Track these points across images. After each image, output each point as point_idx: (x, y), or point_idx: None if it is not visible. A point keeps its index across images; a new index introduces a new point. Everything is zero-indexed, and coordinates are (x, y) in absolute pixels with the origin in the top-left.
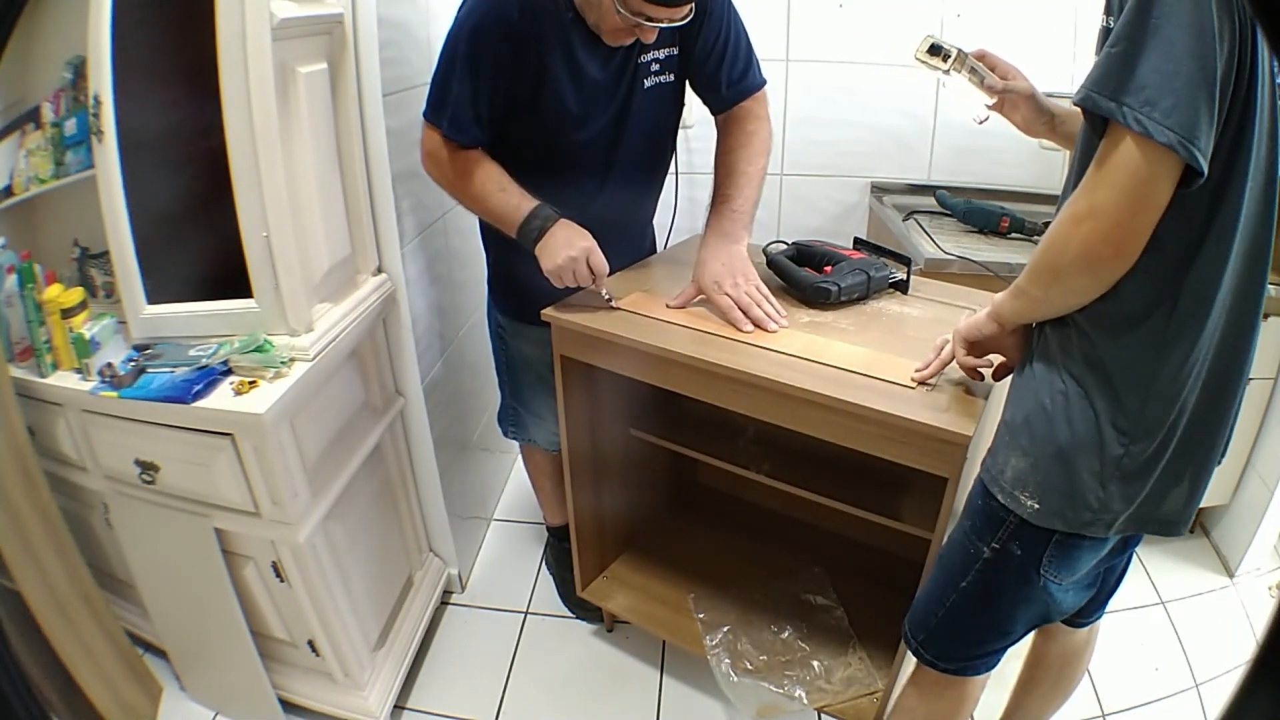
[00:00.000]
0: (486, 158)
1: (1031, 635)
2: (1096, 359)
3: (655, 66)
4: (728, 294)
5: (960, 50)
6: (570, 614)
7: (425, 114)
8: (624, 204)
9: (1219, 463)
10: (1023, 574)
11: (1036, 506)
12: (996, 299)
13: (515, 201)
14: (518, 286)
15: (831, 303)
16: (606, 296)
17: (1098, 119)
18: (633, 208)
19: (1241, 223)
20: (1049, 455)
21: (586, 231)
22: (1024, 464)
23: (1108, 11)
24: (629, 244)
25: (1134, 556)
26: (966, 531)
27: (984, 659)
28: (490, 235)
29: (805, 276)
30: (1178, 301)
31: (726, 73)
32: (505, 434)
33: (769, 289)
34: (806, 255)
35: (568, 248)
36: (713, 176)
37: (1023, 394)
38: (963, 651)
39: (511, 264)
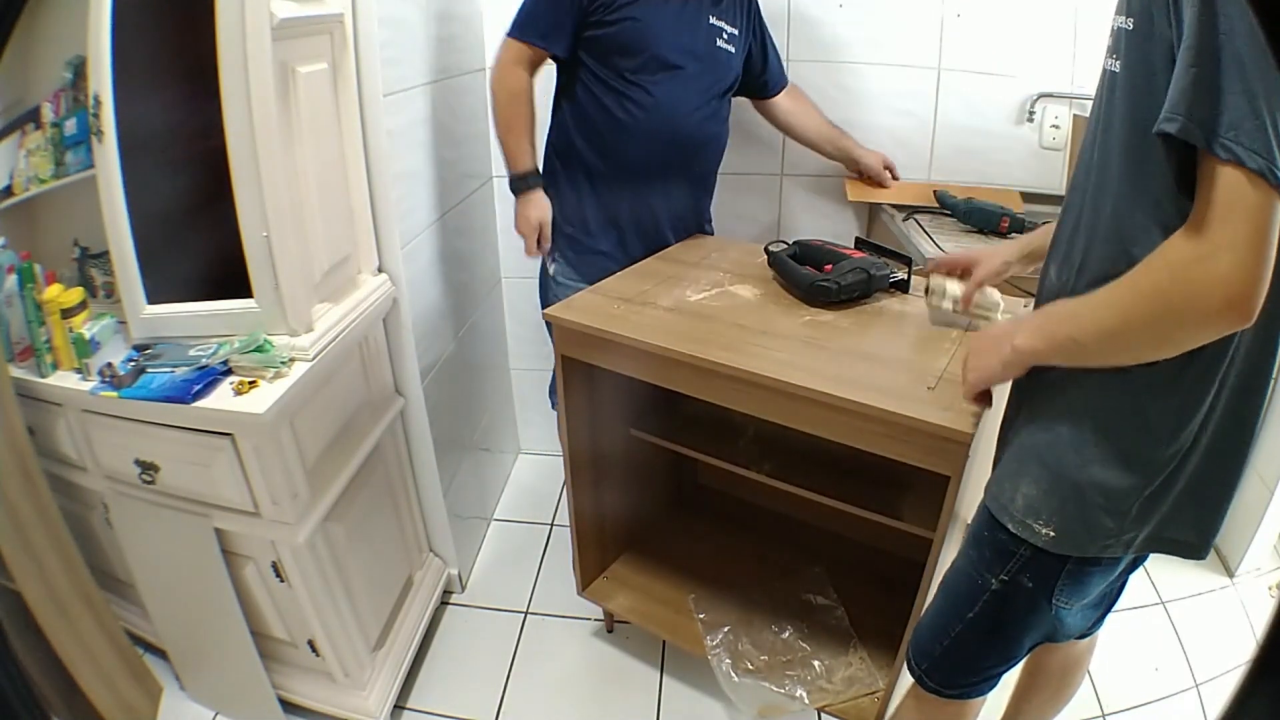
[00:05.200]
0: (531, 101)
1: None
2: (1114, 391)
3: (725, 35)
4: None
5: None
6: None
7: (511, 32)
8: (688, 152)
9: (1240, 481)
10: (1033, 603)
11: (1052, 535)
12: (1019, 344)
13: (523, 153)
14: (574, 239)
15: (831, 301)
16: (551, 262)
17: (1175, 144)
18: (696, 157)
19: None
20: (1062, 482)
21: (547, 207)
22: (1035, 491)
23: (1124, 13)
24: (690, 193)
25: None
26: (973, 562)
27: (987, 682)
28: (558, 165)
29: (805, 274)
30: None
31: (778, 59)
32: (553, 407)
33: (770, 288)
34: (807, 254)
35: (534, 212)
36: (809, 128)
37: (1031, 421)
38: (966, 679)
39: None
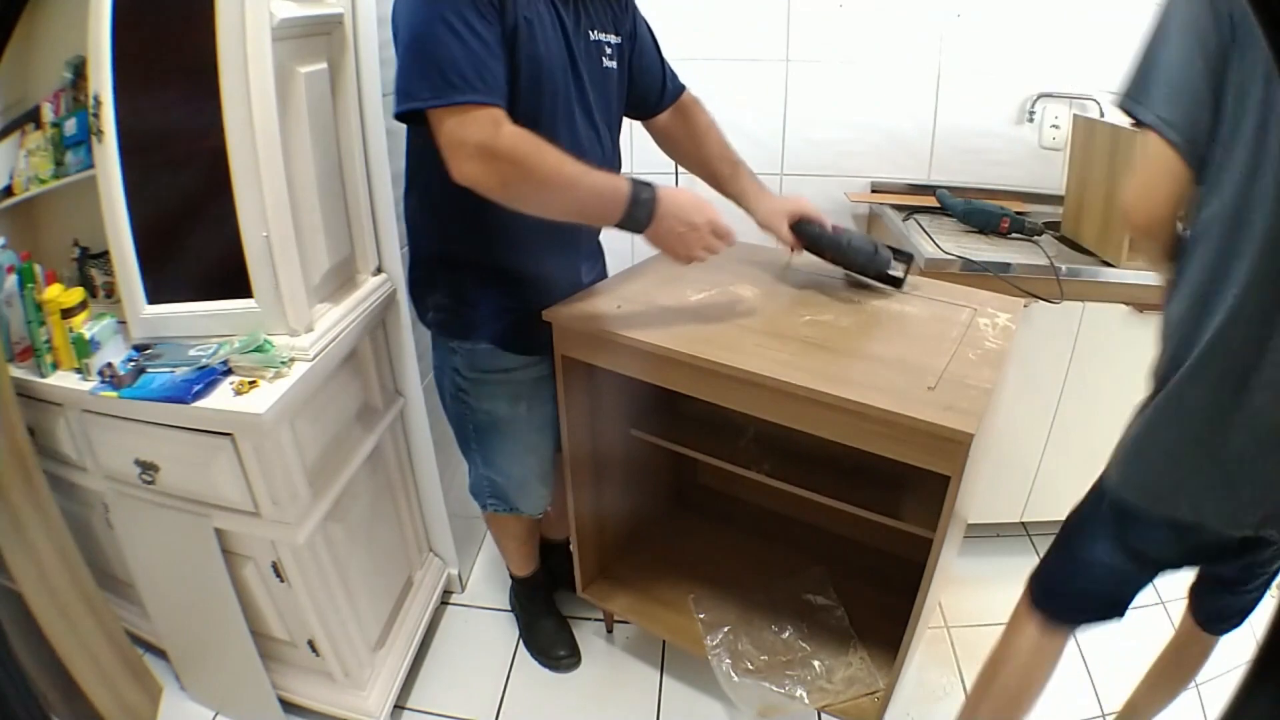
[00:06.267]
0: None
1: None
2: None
3: (608, 50)
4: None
5: None
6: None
7: (444, 100)
8: None
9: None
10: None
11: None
12: None
13: (607, 177)
14: (500, 306)
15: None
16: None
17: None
18: None
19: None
20: (1137, 439)
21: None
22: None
23: None
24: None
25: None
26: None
27: (1077, 611)
28: (450, 248)
29: (879, 255)
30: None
31: (664, 64)
32: (484, 508)
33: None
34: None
35: (697, 212)
36: (695, 159)
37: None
38: (1061, 590)
39: (490, 281)
